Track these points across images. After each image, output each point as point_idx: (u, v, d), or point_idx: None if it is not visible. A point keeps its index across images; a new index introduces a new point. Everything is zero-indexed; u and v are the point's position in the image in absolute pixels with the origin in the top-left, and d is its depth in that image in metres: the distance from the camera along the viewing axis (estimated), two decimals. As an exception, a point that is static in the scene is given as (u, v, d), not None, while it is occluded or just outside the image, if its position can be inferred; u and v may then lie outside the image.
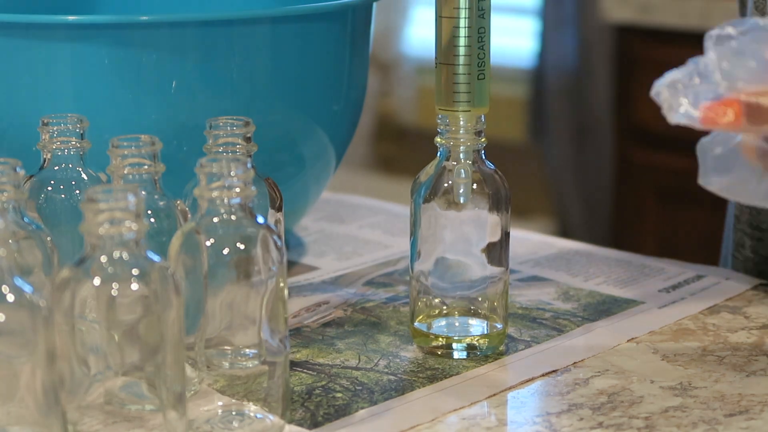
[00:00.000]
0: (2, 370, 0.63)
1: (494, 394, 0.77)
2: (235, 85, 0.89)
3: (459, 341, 0.82)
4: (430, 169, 0.81)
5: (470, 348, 0.82)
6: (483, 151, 0.81)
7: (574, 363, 0.81)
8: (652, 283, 0.96)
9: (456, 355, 0.82)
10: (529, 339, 0.85)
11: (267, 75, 0.90)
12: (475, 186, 0.80)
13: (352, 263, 1.02)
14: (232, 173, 0.68)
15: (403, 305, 0.91)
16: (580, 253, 1.04)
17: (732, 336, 0.85)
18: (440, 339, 0.82)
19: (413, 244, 0.82)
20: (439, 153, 0.81)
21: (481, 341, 0.82)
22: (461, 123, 0.80)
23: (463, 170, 0.80)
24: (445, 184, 0.81)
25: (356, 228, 1.11)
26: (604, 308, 0.91)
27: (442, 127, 0.80)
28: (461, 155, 0.80)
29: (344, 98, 0.97)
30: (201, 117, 0.80)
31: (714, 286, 0.95)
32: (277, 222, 0.82)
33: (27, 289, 0.62)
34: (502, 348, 0.83)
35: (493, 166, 0.81)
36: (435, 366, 0.81)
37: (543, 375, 0.79)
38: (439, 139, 0.80)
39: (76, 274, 0.64)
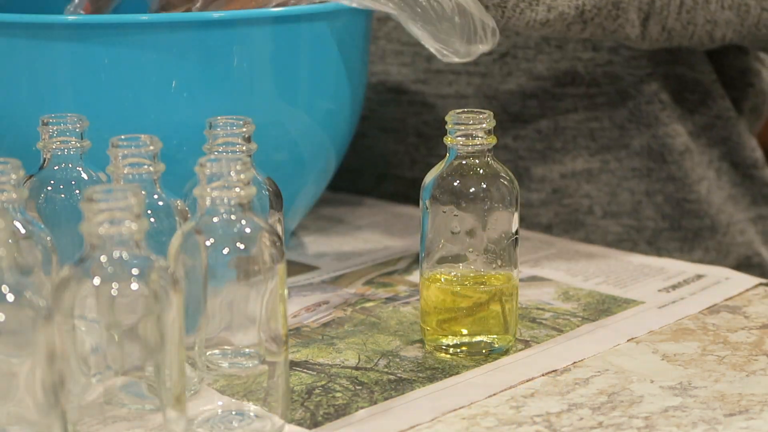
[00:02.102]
0: (2, 370, 0.63)
1: (494, 394, 0.77)
2: (235, 85, 0.89)
3: (471, 339, 0.82)
4: (439, 168, 0.81)
5: (482, 346, 0.82)
6: (491, 150, 0.81)
7: (574, 363, 0.81)
8: (652, 282, 0.96)
9: (467, 354, 0.82)
10: (529, 339, 0.85)
11: (267, 75, 0.90)
12: (484, 185, 0.81)
13: (352, 263, 1.02)
14: (232, 173, 0.68)
15: (403, 305, 0.91)
16: (580, 252, 1.04)
17: (732, 336, 0.85)
18: (450, 338, 0.82)
19: (422, 244, 0.82)
20: (448, 152, 0.81)
21: (495, 340, 0.82)
22: (471, 122, 0.80)
23: (471, 171, 0.80)
24: (455, 183, 0.81)
25: (356, 228, 1.11)
26: (603, 308, 0.91)
27: (450, 126, 0.80)
28: (471, 154, 0.80)
29: (344, 98, 0.97)
30: (201, 117, 0.80)
31: (714, 286, 0.95)
32: (277, 222, 0.83)
33: (27, 289, 0.62)
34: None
35: (500, 164, 0.81)
36: (435, 366, 0.81)
37: (543, 375, 0.79)
38: (448, 139, 0.80)
39: (76, 274, 0.64)
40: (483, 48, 0.89)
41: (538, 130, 1.15)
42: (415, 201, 1.03)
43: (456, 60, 0.89)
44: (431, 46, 0.88)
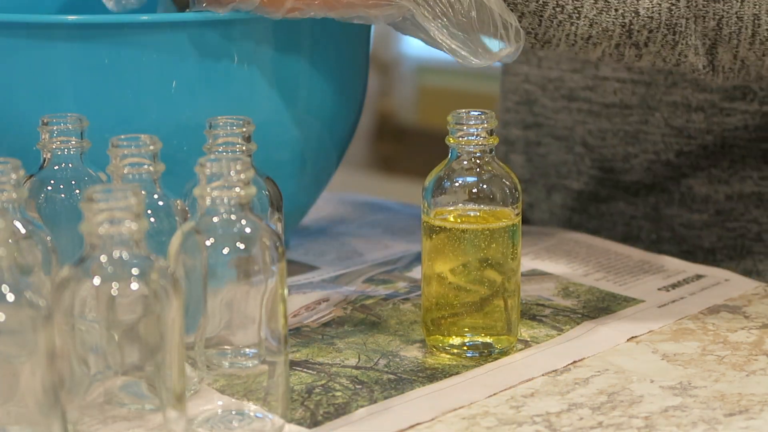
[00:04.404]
0: (2, 370, 0.63)
1: (494, 394, 0.77)
2: (235, 85, 0.89)
3: (472, 339, 0.82)
4: (440, 168, 0.81)
5: (483, 347, 0.82)
6: (493, 150, 0.81)
7: (574, 363, 0.81)
8: (652, 280, 0.96)
9: (469, 354, 0.82)
10: (528, 339, 0.85)
11: (267, 75, 0.90)
12: (486, 185, 0.81)
13: (352, 263, 1.02)
14: (232, 173, 0.68)
15: (403, 302, 0.91)
16: (579, 243, 1.04)
17: (732, 336, 0.85)
18: (453, 338, 0.82)
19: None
20: (450, 152, 0.81)
21: (495, 340, 0.82)
22: (473, 122, 0.80)
23: (473, 172, 0.80)
24: (457, 184, 0.81)
25: (356, 227, 1.11)
26: (603, 306, 0.91)
27: (452, 126, 0.80)
28: (473, 155, 0.80)
29: (344, 98, 0.97)
30: (201, 117, 0.80)
31: (714, 286, 0.95)
32: (277, 222, 0.83)
33: (27, 289, 0.62)
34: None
35: (502, 164, 0.82)
36: (435, 365, 0.81)
37: (543, 375, 0.79)
38: (450, 139, 0.80)
39: (76, 274, 0.64)
40: (506, 51, 0.83)
41: (704, 146, 1.07)
42: (579, 212, 1.02)
43: (474, 63, 0.83)
44: (447, 45, 0.82)
